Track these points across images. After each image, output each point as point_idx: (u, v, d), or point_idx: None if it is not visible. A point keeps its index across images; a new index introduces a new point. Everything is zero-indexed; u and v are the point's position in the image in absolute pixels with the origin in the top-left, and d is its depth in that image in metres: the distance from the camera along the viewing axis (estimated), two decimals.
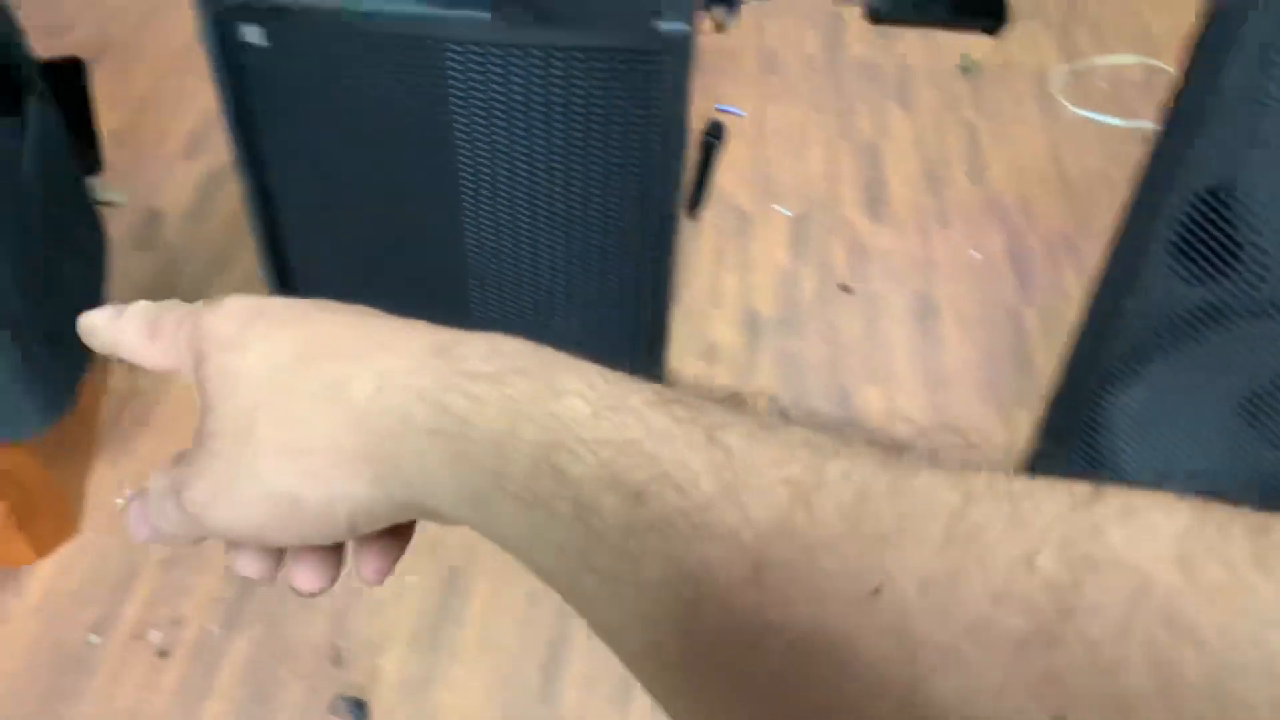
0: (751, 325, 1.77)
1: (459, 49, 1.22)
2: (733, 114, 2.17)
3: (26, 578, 1.36)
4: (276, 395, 0.33)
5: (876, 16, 2.47)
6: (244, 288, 1.78)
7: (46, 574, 1.37)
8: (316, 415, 0.32)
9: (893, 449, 0.28)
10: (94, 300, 1.35)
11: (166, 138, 2.06)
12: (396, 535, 0.37)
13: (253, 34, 1.24)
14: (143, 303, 0.39)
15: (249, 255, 1.80)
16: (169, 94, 2.16)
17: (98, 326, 0.39)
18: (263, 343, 0.34)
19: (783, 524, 0.26)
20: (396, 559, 0.37)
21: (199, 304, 0.37)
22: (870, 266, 1.89)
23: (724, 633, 0.26)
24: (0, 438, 1.16)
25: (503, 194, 1.35)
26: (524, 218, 1.38)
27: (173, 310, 0.38)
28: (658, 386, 0.31)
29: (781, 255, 1.89)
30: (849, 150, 2.13)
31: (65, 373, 1.20)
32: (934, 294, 1.85)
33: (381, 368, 0.32)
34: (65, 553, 1.39)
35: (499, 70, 1.23)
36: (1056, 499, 0.24)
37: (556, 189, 1.34)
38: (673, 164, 1.31)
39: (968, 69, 2.35)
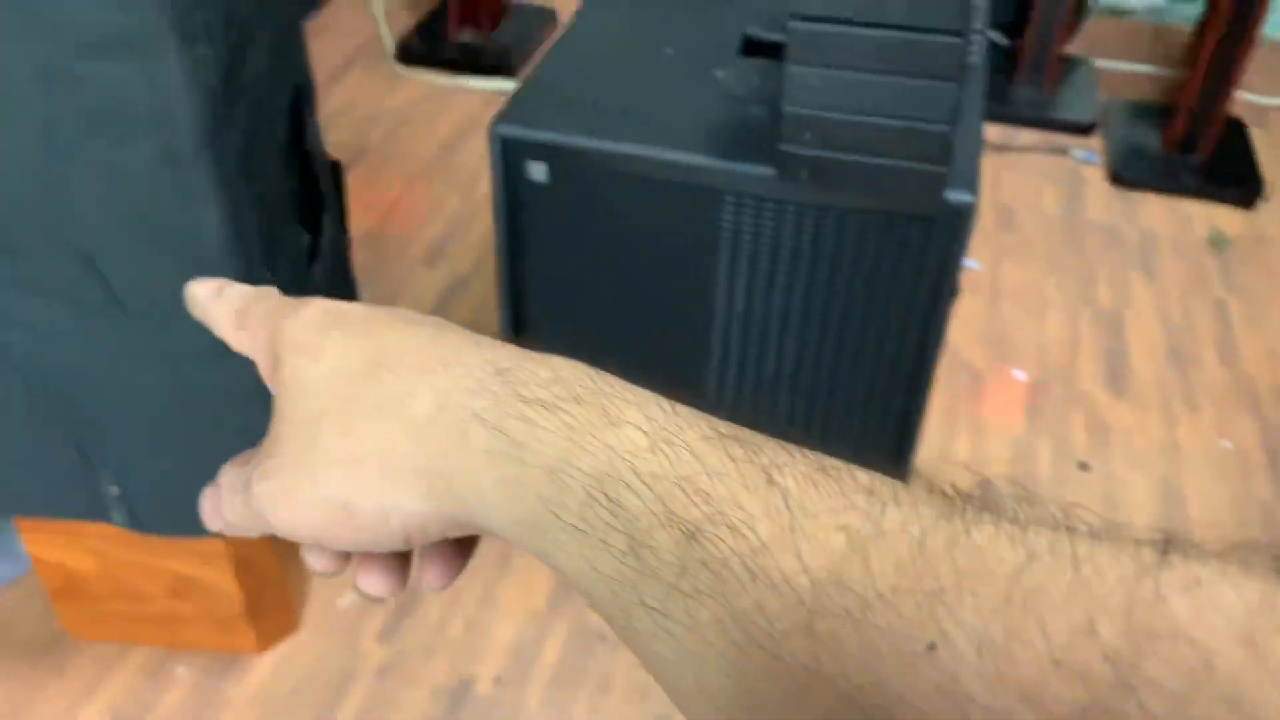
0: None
1: (735, 199, 1.22)
2: (967, 267, 2.12)
3: (247, 668, 1.39)
4: (341, 405, 0.34)
5: (1119, 179, 2.40)
6: None
7: (266, 667, 1.39)
8: (375, 427, 0.33)
9: (955, 498, 0.27)
10: None
11: (411, 244, 2.15)
12: (460, 544, 0.38)
13: (538, 171, 1.28)
14: (239, 288, 0.41)
15: None
16: (416, 202, 2.27)
17: (198, 299, 0.41)
18: (336, 350, 0.35)
19: (838, 573, 0.26)
20: (461, 568, 0.38)
21: (286, 302, 0.38)
22: (1110, 444, 1.79)
23: (774, 679, 0.26)
24: None
25: (754, 338, 1.34)
26: (771, 363, 1.36)
27: (263, 302, 0.39)
28: (713, 420, 0.31)
29: (1016, 422, 1.81)
30: (1088, 317, 2.04)
31: None
32: (1179, 482, 1.73)
33: (442, 385, 0.33)
34: (285, 648, 1.41)
35: (771, 223, 1.23)
36: (1121, 564, 0.24)
37: (810, 338, 1.32)
38: (936, 325, 1.27)
39: (1218, 243, 2.24)
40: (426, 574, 0.38)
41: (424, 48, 2.67)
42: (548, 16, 2.81)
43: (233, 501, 0.37)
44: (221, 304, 0.40)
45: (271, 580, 1.37)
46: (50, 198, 0.93)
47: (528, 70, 2.66)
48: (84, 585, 1.34)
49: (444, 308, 2.00)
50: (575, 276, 1.37)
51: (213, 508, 0.38)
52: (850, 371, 1.34)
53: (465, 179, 2.33)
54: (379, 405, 0.33)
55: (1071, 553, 0.24)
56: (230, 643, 1.39)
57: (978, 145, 1.25)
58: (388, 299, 2.01)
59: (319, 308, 0.37)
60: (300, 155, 1.17)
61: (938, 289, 1.24)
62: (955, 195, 1.14)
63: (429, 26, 2.76)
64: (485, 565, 1.54)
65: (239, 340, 0.39)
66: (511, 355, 0.34)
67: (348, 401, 0.34)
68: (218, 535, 1.21)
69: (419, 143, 2.43)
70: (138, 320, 1.01)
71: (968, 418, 1.82)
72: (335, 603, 1.47)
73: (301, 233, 1.17)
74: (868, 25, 1.03)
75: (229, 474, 0.37)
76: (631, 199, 1.27)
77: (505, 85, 2.61)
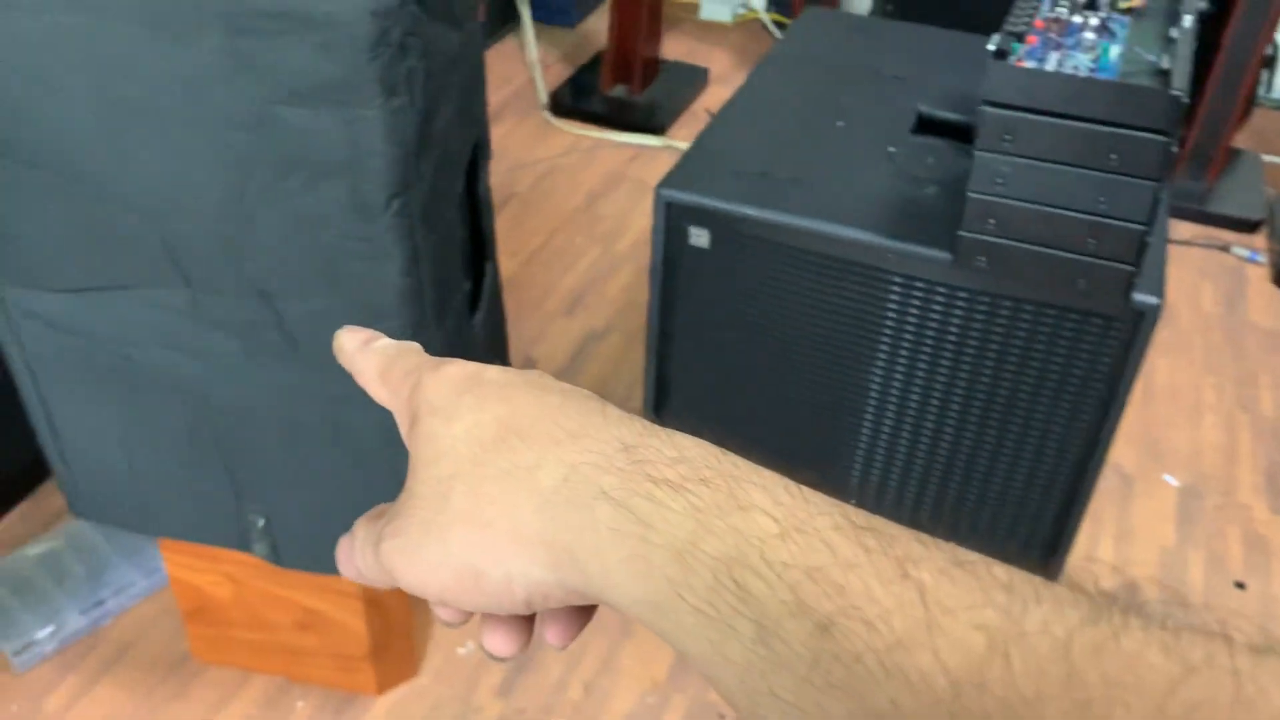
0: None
1: (904, 281, 1.18)
2: None
3: (365, 708, 1.38)
4: (472, 469, 0.34)
5: None
6: None
7: (382, 709, 1.38)
8: (504, 495, 0.33)
9: (1100, 600, 0.26)
10: None
11: (551, 292, 2.16)
12: (582, 607, 0.37)
13: (700, 237, 1.27)
14: (385, 341, 0.42)
15: None
16: (558, 250, 2.29)
17: (346, 349, 0.42)
18: (470, 415, 0.35)
19: (978, 674, 0.25)
20: (581, 628, 0.38)
21: (426, 360, 0.39)
22: (1270, 562, 1.68)
23: None
24: None
25: (907, 422, 1.30)
26: (924, 449, 1.31)
27: (405, 359, 0.40)
28: (845, 508, 0.31)
29: (1166, 531, 1.72)
30: (1248, 424, 1.93)
31: None
32: None
33: (570, 459, 0.33)
34: (403, 692, 1.41)
35: (940, 307, 1.19)
36: None
37: (968, 427, 1.27)
38: (1107, 428, 1.20)
39: None
40: (548, 632, 0.38)
41: (575, 100, 2.71)
42: (700, 76, 2.83)
43: (365, 554, 0.37)
44: (368, 356, 0.41)
45: (398, 624, 1.36)
46: (238, 234, 0.95)
47: (675, 128, 2.68)
48: (217, 610, 1.36)
49: (579, 359, 2.00)
50: (726, 343, 1.35)
51: (346, 557, 0.39)
52: (1007, 465, 1.28)
53: (607, 231, 2.34)
54: (508, 473, 0.33)
55: (1231, 666, 0.23)
56: (350, 681, 1.39)
57: (1164, 246, 1.19)
58: (525, 346, 2.02)
59: (458, 369, 0.38)
60: (471, 204, 1.18)
61: (1111, 391, 1.18)
62: (1142, 297, 1.09)
63: (581, 79, 2.80)
64: (609, 627, 1.51)
65: (380, 394, 0.40)
66: (637, 431, 0.34)
67: (479, 466, 0.34)
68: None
69: (564, 193, 2.46)
70: (306, 360, 1.02)
71: (1114, 522, 1.73)
72: (456, 651, 1.46)
73: (466, 280, 1.17)
74: (1068, 117, 0.99)
75: (363, 527, 0.38)
76: (793, 271, 1.24)
77: (652, 141, 2.62)
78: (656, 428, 0.34)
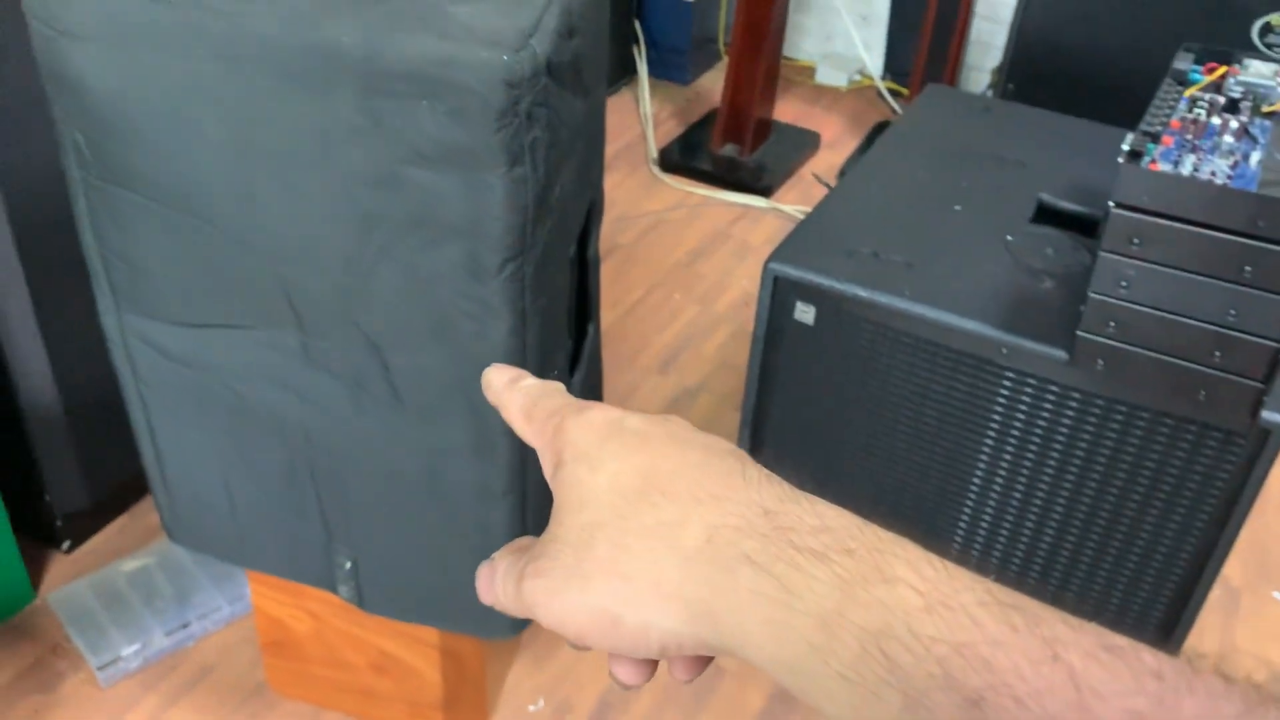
0: None
1: (1016, 376, 1.15)
2: None
3: None
4: (615, 520, 0.35)
5: None
6: None
7: None
8: (647, 549, 0.34)
9: (1252, 692, 0.26)
10: None
11: (646, 348, 2.16)
12: None
13: (805, 313, 1.25)
14: (531, 381, 0.43)
15: None
16: (656, 306, 2.29)
17: (494, 385, 0.44)
18: (613, 464, 0.36)
19: None
20: (705, 666, 0.38)
21: (571, 402, 0.40)
22: None
23: None
24: (475, 634, 1.19)
25: (1007, 521, 1.25)
26: (1022, 550, 1.27)
27: (549, 400, 0.41)
28: (989, 584, 0.31)
29: (1274, 652, 1.63)
30: None
31: None
32: None
33: (712, 519, 0.34)
34: None
35: (1050, 406, 1.15)
36: None
37: (1070, 532, 1.22)
38: (1220, 548, 1.15)
39: None
40: (674, 669, 0.39)
41: (685, 157, 2.73)
42: (810, 140, 2.82)
43: (505, 585, 0.38)
44: (514, 393, 0.42)
45: (472, 676, 1.36)
46: (356, 285, 0.96)
47: (782, 191, 2.67)
48: (296, 644, 1.37)
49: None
50: (824, 422, 1.33)
51: (487, 585, 0.40)
52: (1107, 576, 1.23)
53: (706, 290, 2.34)
54: (651, 529, 0.35)
55: None
56: None
57: None
58: (617, 401, 2.01)
59: (600, 415, 0.39)
60: (580, 265, 1.18)
61: (1227, 508, 1.13)
62: (1271, 415, 1.04)
63: (692, 136, 2.81)
64: (682, 701, 1.49)
65: (525, 431, 0.42)
66: (778, 496, 0.35)
67: (622, 519, 0.35)
68: (428, 625, 1.21)
69: (667, 248, 2.47)
70: (409, 411, 1.03)
71: (1217, 639, 1.64)
72: (527, 709, 1.45)
73: (568, 340, 1.18)
74: (1202, 225, 0.96)
75: (505, 560, 0.39)
76: (900, 356, 1.22)
77: (758, 203, 2.62)
78: (798, 493, 0.35)
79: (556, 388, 0.43)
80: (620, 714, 1.46)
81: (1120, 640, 0.29)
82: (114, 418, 1.54)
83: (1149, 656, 0.28)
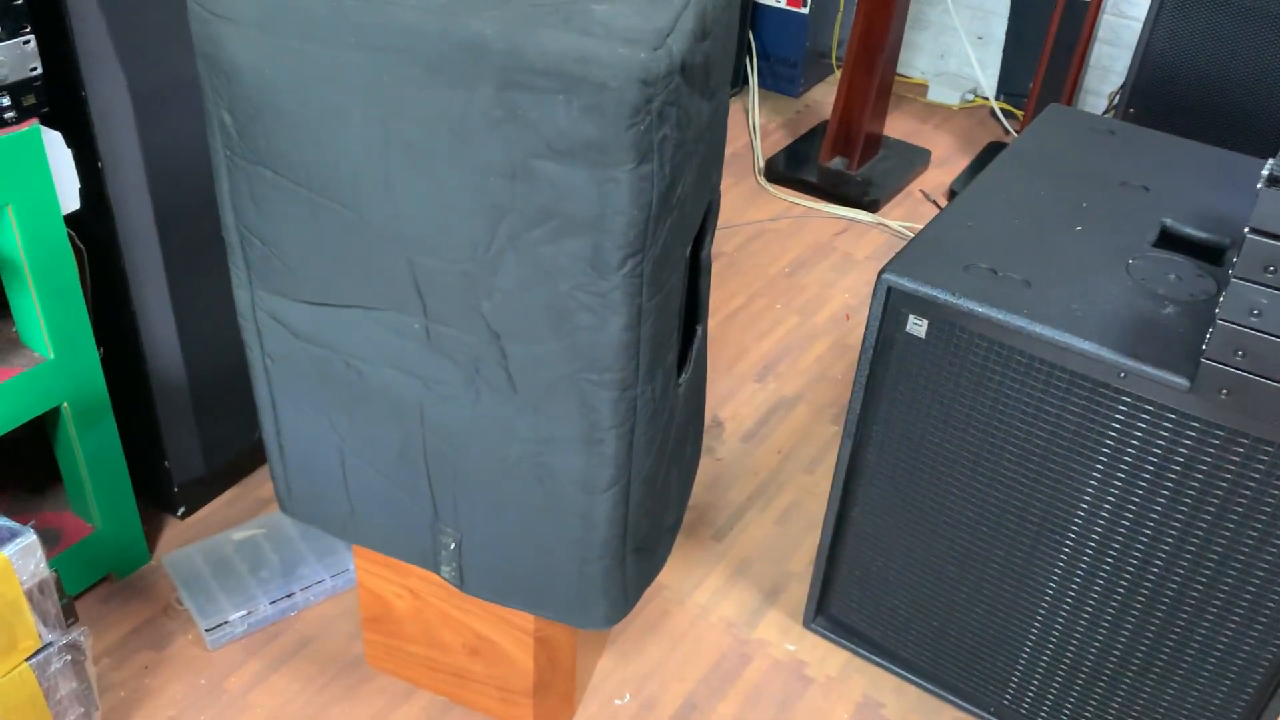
0: None
1: (1133, 401, 1.13)
2: None
3: None
4: None
5: None
6: (775, 531, 1.80)
7: None
8: None
9: None
10: (680, 513, 1.40)
11: (745, 356, 2.17)
12: None
13: (918, 326, 1.25)
14: None
15: (791, 490, 1.81)
16: (757, 314, 2.29)
17: None
18: None
19: None
20: None
21: None
22: None
23: None
24: (570, 623, 1.21)
25: (1114, 547, 1.23)
26: (1127, 579, 1.24)
27: None
28: None
29: None
30: None
31: (640, 580, 1.24)
32: None
33: None
34: None
35: (1168, 434, 1.13)
36: None
37: (1181, 563, 1.19)
38: None
39: None
40: None
41: (791, 167, 2.72)
42: (920, 157, 2.80)
43: None
44: None
45: (564, 665, 1.38)
46: (481, 273, 0.99)
47: (889, 207, 2.65)
48: (396, 622, 1.41)
49: (766, 425, 1.99)
50: (928, 436, 1.32)
51: None
52: (1218, 614, 1.20)
53: (807, 301, 2.34)
54: None
55: None
56: (509, 714, 1.41)
57: None
58: (713, 406, 2.02)
59: None
60: (693, 266, 1.20)
61: None
62: None
63: (799, 148, 2.81)
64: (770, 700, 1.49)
65: None
66: None
67: None
68: (525, 611, 1.23)
69: (770, 258, 2.47)
70: (523, 399, 1.05)
71: None
72: (614, 702, 1.47)
73: (678, 340, 1.19)
74: None
75: None
76: (1012, 375, 1.20)
77: (864, 217, 2.60)
78: None
79: None
80: (705, 714, 1.47)
81: None
82: (233, 392, 1.61)
83: None
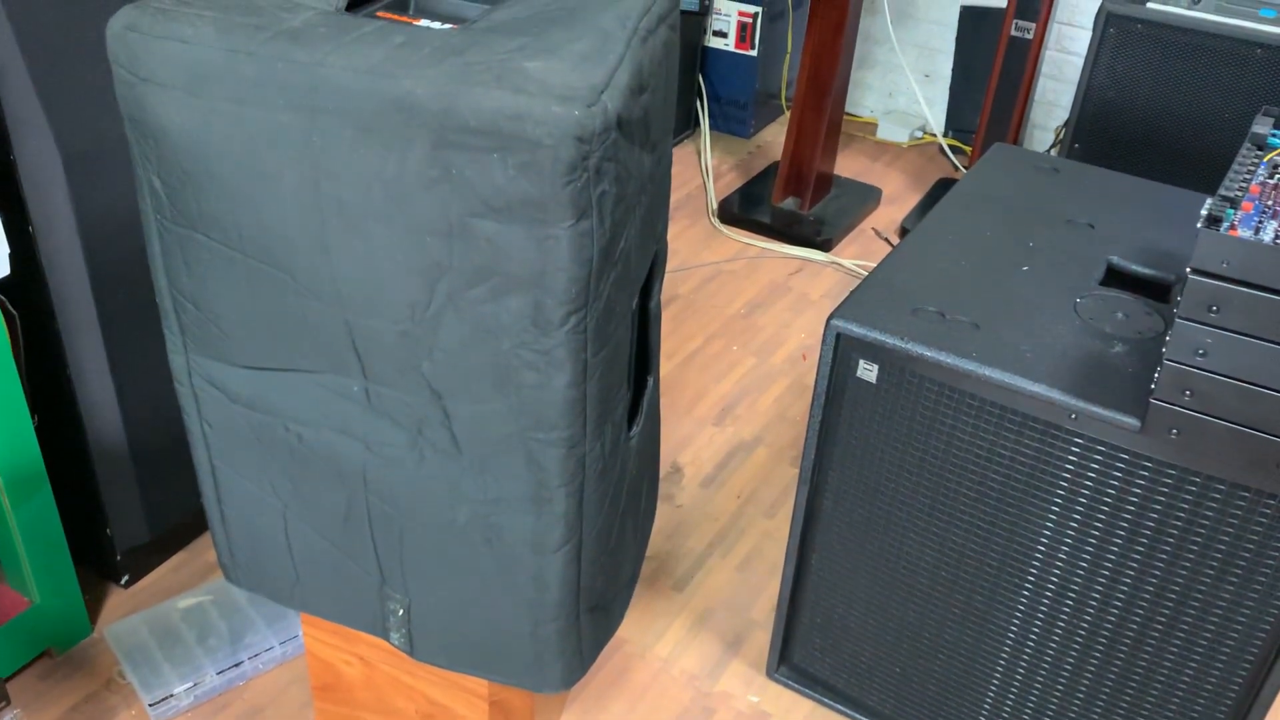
0: None
1: (1085, 443, 1.12)
2: None
3: None
4: None
5: None
6: (737, 578, 1.77)
7: None
8: None
9: None
10: (637, 567, 1.37)
11: (702, 399, 2.15)
12: None
13: (868, 371, 1.24)
14: None
15: (751, 535, 1.79)
16: (713, 356, 2.28)
17: None
18: None
19: None
20: None
21: None
22: None
23: None
24: (525, 686, 1.18)
25: (1071, 592, 1.22)
26: (1085, 624, 1.23)
27: None
28: None
29: None
30: None
31: (597, 639, 1.21)
32: None
33: None
34: None
35: (1119, 475, 1.12)
36: None
37: (1138, 606, 1.18)
38: None
39: None
40: None
41: (744, 209, 2.73)
42: (871, 196, 2.81)
43: None
44: None
45: None
46: (421, 334, 0.97)
47: (842, 245, 2.66)
48: (347, 690, 1.37)
49: (725, 469, 1.97)
50: (884, 481, 1.30)
51: None
52: (1179, 655, 1.19)
53: (764, 342, 2.33)
54: None
55: None
56: None
57: None
58: (672, 451, 2.01)
59: None
60: (641, 317, 1.18)
61: None
62: None
63: (752, 190, 2.82)
64: None
65: None
66: None
67: None
68: (478, 676, 1.20)
69: (725, 300, 2.46)
70: (467, 460, 1.03)
71: None
72: None
73: (627, 392, 1.17)
74: None
75: None
76: (963, 419, 1.20)
77: (817, 256, 2.61)
78: None
79: None
80: None
81: None
82: (176, 457, 1.57)
83: None
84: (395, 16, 1.00)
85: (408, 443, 1.05)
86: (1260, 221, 0.98)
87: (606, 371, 1.02)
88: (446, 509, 1.08)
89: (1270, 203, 1.01)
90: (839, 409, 1.29)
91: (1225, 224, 0.97)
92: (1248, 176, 1.05)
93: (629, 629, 1.64)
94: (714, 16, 3.02)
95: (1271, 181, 1.04)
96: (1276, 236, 0.96)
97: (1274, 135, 1.12)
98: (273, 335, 1.04)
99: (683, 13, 2.88)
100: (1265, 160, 1.07)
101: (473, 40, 0.90)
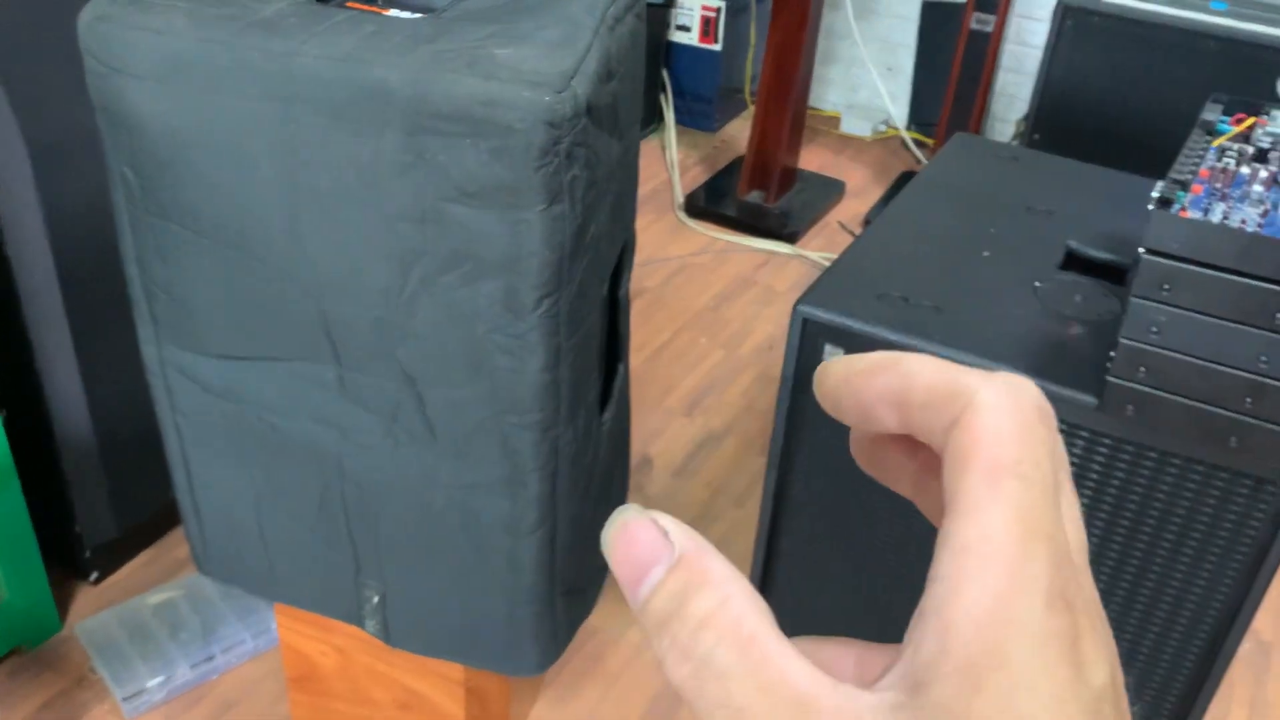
0: None
1: None
2: None
3: None
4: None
5: None
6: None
7: None
8: None
9: None
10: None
11: (672, 391, 2.17)
12: None
13: (834, 356, 1.26)
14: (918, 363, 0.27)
15: (721, 524, 1.81)
16: (682, 349, 2.30)
17: (836, 373, 0.29)
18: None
19: None
20: None
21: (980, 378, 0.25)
22: None
23: None
24: (500, 671, 1.19)
25: None
26: None
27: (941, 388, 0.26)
28: None
29: None
30: None
31: (571, 622, 1.22)
32: None
33: None
34: None
35: (1079, 453, 1.15)
36: None
37: (1098, 580, 1.21)
38: (1252, 597, 1.14)
39: None
40: None
41: (710, 202, 2.75)
42: (835, 189, 2.85)
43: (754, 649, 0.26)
44: (892, 379, 0.27)
45: (497, 714, 1.36)
46: (395, 319, 0.98)
47: (807, 238, 2.69)
48: (321, 679, 1.37)
49: (695, 460, 1.99)
50: (850, 463, 1.32)
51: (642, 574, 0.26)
52: (1136, 626, 1.22)
53: (731, 335, 2.35)
54: None
55: None
56: None
57: None
58: (642, 444, 2.02)
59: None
60: (612, 305, 1.20)
61: (1259, 558, 1.12)
62: None
63: (718, 183, 2.84)
64: None
65: (901, 422, 0.27)
66: None
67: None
68: (454, 662, 1.21)
69: (693, 292, 2.48)
70: (442, 445, 1.04)
71: (1248, 693, 1.62)
72: None
73: (599, 378, 1.19)
74: (1232, 272, 0.96)
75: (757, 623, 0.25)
76: None
77: (783, 249, 2.64)
78: None
79: (945, 369, 0.27)
80: None
81: None
82: (144, 450, 1.56)
83: None
84: (365, 7, 1.01)
85: (382, 429, 1.06)
86: (1209, 203, 1.01)
87: (579, 356, 1.04)
88: (422, 495, 1.09)
89: (1219, 186, 1.04)
90: (807, 393, 1.31)
91: (1176, 205, 1.00)
92: (1197, 160, 1.08)
93: (602, 617, 1.66)
94: (678, 11, 3.04)
95: (1220, 165, 1.07)
96: (1225, 217, 0.99)
97: (1222, 121, 1.16)
98: (247, 323, 1.05)
99: (648, 6, 2.90)
100: (1214, 145, 1.11)
101: (443, 29, 0.91)
